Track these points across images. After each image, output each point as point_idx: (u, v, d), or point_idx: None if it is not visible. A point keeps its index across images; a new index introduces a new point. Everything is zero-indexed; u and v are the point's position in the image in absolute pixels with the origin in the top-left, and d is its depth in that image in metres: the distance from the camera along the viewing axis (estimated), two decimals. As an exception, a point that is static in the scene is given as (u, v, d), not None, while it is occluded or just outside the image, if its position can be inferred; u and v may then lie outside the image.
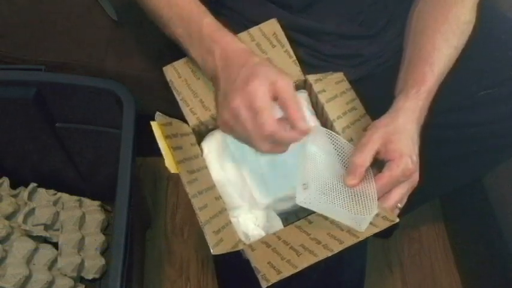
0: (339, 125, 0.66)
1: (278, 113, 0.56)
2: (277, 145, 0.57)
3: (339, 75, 0.69)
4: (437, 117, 0.68)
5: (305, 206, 0.57)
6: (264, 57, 0.62)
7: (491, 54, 0.75)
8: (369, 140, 0.60)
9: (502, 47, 0.76)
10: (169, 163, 0.59)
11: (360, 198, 0.58)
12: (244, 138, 0.57)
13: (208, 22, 0.63)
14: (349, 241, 0.55)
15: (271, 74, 0.56)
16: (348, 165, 0.60)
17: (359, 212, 0.56)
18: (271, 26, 0.69)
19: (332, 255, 0.54)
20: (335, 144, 0.62)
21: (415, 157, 0.61)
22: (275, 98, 0.56)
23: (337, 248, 0.55)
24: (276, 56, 0.68)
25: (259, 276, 0.53)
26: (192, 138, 0.65)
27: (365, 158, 0.59)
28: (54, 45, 0.94)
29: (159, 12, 0.67)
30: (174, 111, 0.66)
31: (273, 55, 0.68)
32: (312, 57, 0.76)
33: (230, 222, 0.60)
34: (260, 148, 0.56)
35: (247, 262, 0.56)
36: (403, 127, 0.61)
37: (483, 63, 0.75)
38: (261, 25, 0.68)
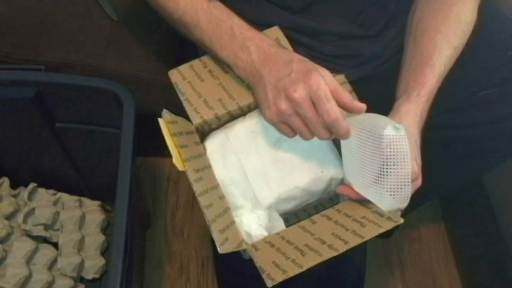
0: None
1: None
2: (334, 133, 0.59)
3: (341, 77, 0.69)
4: (437, 118, 0.68)
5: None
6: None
7: (491, 54, 0.75)
8: None
9: (502, 47, 0.76)
10: (177, 161, 0.59)
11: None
12: (302, 127, 0.59)
13: (238, 21, 0.65)
14: (354, 241, 0.56)
15: (318, 68, 0.59)
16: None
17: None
18: (274, 32, 0.70)
19: (336, 256, 0.55)
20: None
21: (419, 160, 0.61)
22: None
23: (342, 248, 0.55)
24: None
25: (264, 276, 0.53)
26: (196, 137, 0.65)
27: None
28: (54, 45, 0.94)
29: (184, 19, 0.68)
30: (174, 111, 0.66)
31: None
32: (313, 57, 0.76)
33: (234, 221, 0.60)
34: (321, 135, 0.58)
35: (248, 262, 0.56)
36: (407, 130, 0.62)
37: (483, 63, 0.75)
38: (264, 32, 0.69)
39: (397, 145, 0.55)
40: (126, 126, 0.78)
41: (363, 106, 0.58)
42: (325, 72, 0.58)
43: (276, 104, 0.59)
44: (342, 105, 0.57)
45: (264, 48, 0.62)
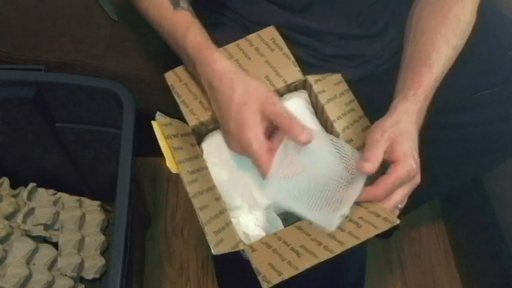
0: (339, 125, 0.66)
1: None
2: None
3: (337, 77, 0.69)
4: (437, 117, 0.68)
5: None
6: (243, 77, 0.63)
7: (491, 54, 0.75)
8: (380, 139, 0.60)
9: (502, 47, 0.76)
10: (170, 163, 0.59)
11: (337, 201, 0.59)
12: None
13: (190, 40, 0.64)
14: (350, 243, 0.55)
15: (255, 106, 0.59)
16: (350, 169, 0.62)
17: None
18: (270, 33, 0.70)
19: (332, 257, 0.54)
20: (337, 148, 0.63)
21: (417, 158, 0.61)
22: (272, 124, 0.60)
23: (338, 249, 0.55)
24: (274, 59, 0.68)
25: (259, 278, 0.53)
26: (192, 139, 0.65)
27: (379, 152, 0.59)
28: (54, 45, 0.93)
29: (153, 26, 0.70)
30: (174, 111, 0.66)
31: (272, 58, 0.68)
32: (313, 57, 0.77)
33: (230, 222, 0.60)
34: None
35: (247, 262, 0.56)
36: (405, 129, 0.62)
37: (483, 63, 0.75)
38: (260, 32, 0.70)
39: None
40: (126, 126, 0.78)
41: (308, 141, 0.58)
42: (268, 106, 0.59)
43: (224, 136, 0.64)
44: (291, 138, 0.58)
45: (210, 78, 0.62)
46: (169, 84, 0.67)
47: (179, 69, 0.69)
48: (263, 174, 0.58)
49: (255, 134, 0.58)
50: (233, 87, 0.60)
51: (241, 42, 0.69)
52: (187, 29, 0.65)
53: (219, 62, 0.62)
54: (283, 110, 0.59)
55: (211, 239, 0.56)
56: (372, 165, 0.58)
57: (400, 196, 0.60)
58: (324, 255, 0.54)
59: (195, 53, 0.63)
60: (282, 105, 0.60)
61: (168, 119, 0.64)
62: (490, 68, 0.75)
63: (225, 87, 0.61)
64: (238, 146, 0.60)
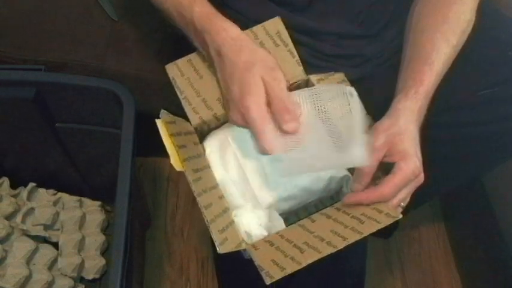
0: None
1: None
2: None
3: (340, 75, 0.69)
4: (437, 116, 0.68)
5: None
6: (251, 44, 0.61)
7: (491, 54, 0.75)
8: (374, 148, 0.61)
9: (502, 47, 0.76)
10: (175, 161, 0.59)
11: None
12: None
13: (197, 11, 0.62)
14: (353, 237, 0.55)
15: (259, 74, 0.58)
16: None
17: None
18: (275, 25, 0.68)
19: (334, 252, 0.54)
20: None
21: (420, 156, 0.61)
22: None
23: (340, 244, 0.55)
24: (278, 56, 0.68)
25: (262, 274, 0.53)
26: (195, 137, 0.65)
27: (372, 165, 0.60)
28: (54, 45, 0.94)
29: (162, 11, 0.68)
30: (174, 111, 0.66)
31: (276, 54, 0.68)
32: (313, 57, 0.77)
33: (233, 221, 0.60)
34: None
35: (248, 262, 0.56)
36: (405, 128, 0.62)
37: (483, 63, 0.75)
38: (265, 23, 0.68)
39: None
40: (126, 126, 0.78)
41: (293, 127, 0.57)
42: (274, 86, 0.58)
43: (227, 114, 0.62)
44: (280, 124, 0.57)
45: (216, 47, 0.60)
46: (170, 77, 0.66)
47: (181, 62, 0.67)
48: (260, 144, 0.56)
49: (256, 101, 0.57)
50: (240, 54, 0.59)
51: (247, 33, 0.67)
52: (193, 1, 0.64)
53: (229, 30, 0.61)
54: (280, 90, 0.58)
55: (216, 238, 0.56)
56: (360, 186, 0.61)
57: (403, 194, 0.61)
58: (326, 250, 0.54)
59: (204, 23, 0.62)
60: (283, 84, 0.59)
61: (172, 117, 0.64)
62: (490, 68, 0.75)
63: (232, 53, 0.59)
64: (238, 114, 0.58)
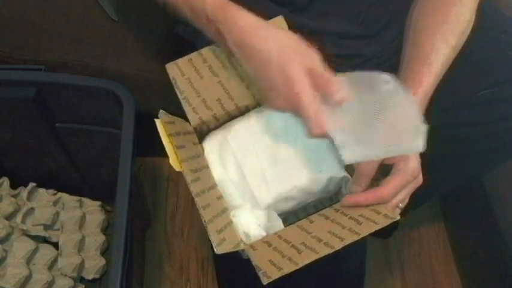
0: None
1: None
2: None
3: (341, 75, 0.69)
4: (437, 117, 0.68)
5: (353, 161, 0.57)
6: (276, 31, 0.59)
7: (491, 54, 0.75)
8: None
9: (502, 47, 0.76)
10: (173, 161, 0.59)
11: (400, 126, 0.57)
12: None
13: (210, 3, 0.60)
14: (350, 238, 0.55)
15: (298, 60, 0.56)
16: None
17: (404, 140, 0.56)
18: (279, 24, 0.68)
19: (332, 253, 0.54)
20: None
21: (418, 157, 0.61)
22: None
23: (338, 245, 0.55)
24: None
25: (260, 274, 0.53)
26: (194, 137, 0.65)
27: (371, 168, 0.60)
28: (54, 45, 0.94)
29: (168, 3, 0.66)
30: (174, 110, 0.66)
31: None
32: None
33: (231, 222, 0.60)
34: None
35: (247, 262, 0.56)
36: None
37: (483, 63, 0.75)
38: (269, 22, 0.67)
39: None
40: (126, 126, 0.78)
41: (343, 96, 0.56)
42: (313, 64, 0.56)
43: (266, 103, 0.60)
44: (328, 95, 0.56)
45: (236, 38, 0.58)
46: (170, 77, 0.66)
47: (182, 62, 0.67)
48: (314, 129, 0.55)
49: (303, 88, 0.55)
50: (267, 41, 0.57)
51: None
52: None
53: (246, 18, 0.59)
54: (318, 66, 0.57)
55: (214, 238, 0.56)
56: (359, 188, 0.61)
57: (402, 196, 0.61)
58: (324, 251, 0.54)
59: (217, 14, 0.59)
60: (318, 59, 0.58)
61: (171, 117, 0.64)
62: (490, 68, 0.75)
63: (260, 43, 0.57)
64: (286, 102, 0.57)
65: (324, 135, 0.56)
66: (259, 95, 0.64)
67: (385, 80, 0.57)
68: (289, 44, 0.58)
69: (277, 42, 0.57)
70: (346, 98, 0.55)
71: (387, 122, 0.57)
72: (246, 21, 0.58)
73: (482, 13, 0.70)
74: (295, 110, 0.56)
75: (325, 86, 0.55)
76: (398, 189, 0.60)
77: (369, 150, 0.56)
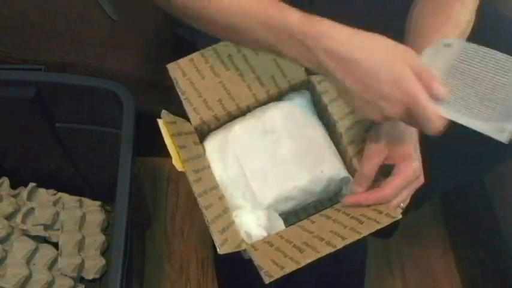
0: (342, 125, 0.66)
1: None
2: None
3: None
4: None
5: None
6: (372, 38, 0.56)
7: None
8: (375, 151, 0.61)
9: (503, 47, 0.76)
10: (176, 161, 0.59)
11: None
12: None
13: (294, 20, 0.57)
14: (352, 237, 0.55)
15: (403, 62, 0.54)
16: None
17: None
18: None
19: (334, 252, 0.54)
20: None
21: (420, 157, 0.61)
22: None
23: (339, 244, 0.55)
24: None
25: (261, 273, 0.53)
26: (195, 138, 0.65)
27: (373, 168, 0.61)
28: (54, 45, 0.94)
29: (232, 26, 0.61)
30: (174, 110, 0.66)
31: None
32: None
33: (233, 222, 0.60)
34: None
35: (247, 262, 0.56)
36: (405, 130, 0.62)
37: (483, 63, 0.74)
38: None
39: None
40: (126, 126, 0.78)
41: (445, 92, 0.55)
42: (411, 61, 0.54)
43: (370, 115, 0.57)
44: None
45: (329, 51, 0.55)
46: (172, 77, 0.66)
47: (183, 62, 0.66)
48: (434, 128, 0.54)
49: (418, 89, 0.53)
50: (372, 50, 0.55)
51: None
52: (285, 11, 0.58)
53: (338, 31, 0.56)
54: (419, 65, 0.55)
55: (217, 239, 0.56)
56: (360, 189, 0.61)
57: (404, 196, 0.61)
58: (325, 250, 0.54)
59: (306, 29, 0.56)
60: (416, 56, 0.56)
61: (173, 117, 0.64)
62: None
63: (358, 54, 0.54)
64: (401, 108, 0.54)
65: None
66: (356, 113, 0.61)
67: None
68: (388, 47, 0.56)
69: (375, 49, 0.55)
70: (446, 94, 0.55)
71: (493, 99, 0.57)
72: (338, 33, 0.56)
73: (482, 13, 0.70)
74: (410, 113, 0.55)
75: (428, 82, 0.54)
76: (400, 190, 0.60)
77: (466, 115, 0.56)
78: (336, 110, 0.67)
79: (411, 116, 0.54)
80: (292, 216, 0.69)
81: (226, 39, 0.65)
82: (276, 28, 0.57)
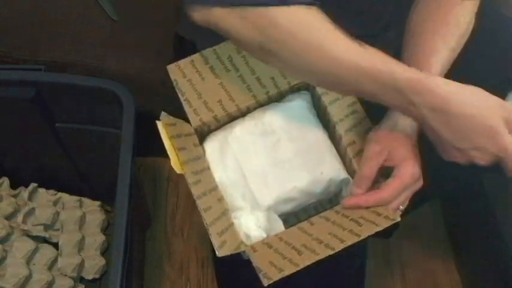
0: (341, 127, 0.66)
1: None
2: None
3: None
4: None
5: None
6: (473, 92, 0.60)
7: (492, 55, 0.75)
8: (375, 152, 0.61)
9: (503, 48, 0.76)
10: (175, 163, 0.59)
11: None
12: None
13: (404, 78, 0.59)
14: (351, 240, 0.56)
15: (499, 116, 0.58)
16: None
17: None
18: None
19: (333, 254, 0.55)
20: None
21: (419, 160, 0.61)
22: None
23: (338, 246, 0.55)
24: None
25: (260, 275, 0.53)
26: (195, 139, 0.65)
27: (372, 170, 0.61)
28: (54, 45, 0.94)
29: (338, 78, 0.62)
30: (174, 111, 0.66)
31: None
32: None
33: (232, 223, 0.60)
34: None
35: (246, 263, 0.56)
36: (403, 132, 0.62)
37: (484, 64, 0.74)
38: None
39: None
40: (126, 126, 0.78)
41: None
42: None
43: (457, 159, 0.61)
44: None
45: (433, 106, 0.58)
46: (172, 78, 0.66)
47: (183, 63, 0.66)
48: None
49: (509, 140, 0.57)
50: (468, 108, 0.58)
51: None
52: (393, 67, 0.60)
53: (442, 87, 0.58)
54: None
55: (215, 241, 0.56)
56: (360, 190, 0.61)
57: (403, 198, 0.61)
58: (324, 252, 0.54)
59: (413, 85, 0.58)
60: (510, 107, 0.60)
61: (172, 119, 0.64)
62: (491, 69, 0.75)
63: (460, 109, 0.58)
64: (492, 157, 0.59)
65: None
66: (443, 153, 0.62)
67: None
68: (486, 101, 0.59)
69: (475, 105, 0.58)
70: None
71: None
72: (443, 89, 0.58)
73: (482, 13, 0.70)
74: (498, 160, 0.59)
75: None
76: (399, 192, 0.60)
77: None
78: (336, 111, 0.67)
79: (499, 162, 0.59)
80: (292, 217, 0.69)
81: (319, 85, 0.67)
82: (383, 83, 0.59)
